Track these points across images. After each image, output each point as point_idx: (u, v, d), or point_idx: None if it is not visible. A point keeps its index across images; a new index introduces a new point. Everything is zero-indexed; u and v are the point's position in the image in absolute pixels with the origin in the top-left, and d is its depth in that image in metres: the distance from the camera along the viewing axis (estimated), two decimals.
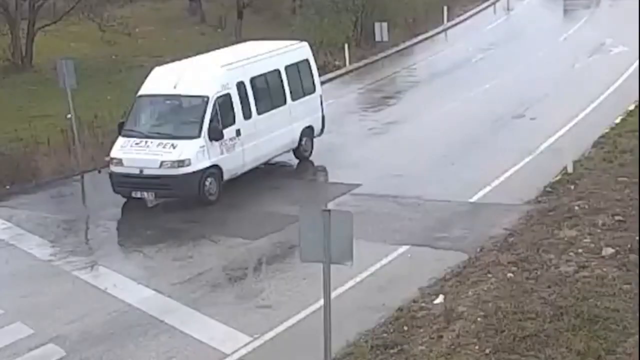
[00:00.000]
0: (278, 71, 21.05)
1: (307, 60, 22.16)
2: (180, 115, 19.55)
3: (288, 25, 42.03)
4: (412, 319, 12.99)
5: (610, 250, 14.49)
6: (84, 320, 13.87)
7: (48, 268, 16.27)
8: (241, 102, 19.59)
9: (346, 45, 35.64)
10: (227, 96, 19.32)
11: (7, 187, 21.07)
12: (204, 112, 18.80)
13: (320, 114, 22.48)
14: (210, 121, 18.75)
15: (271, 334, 13.07)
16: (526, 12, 47.13)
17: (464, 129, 24.16)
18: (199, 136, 18.61)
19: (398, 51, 38.58)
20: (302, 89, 21.86)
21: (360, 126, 25.82)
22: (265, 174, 20.99)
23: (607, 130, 22.65)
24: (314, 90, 22.30)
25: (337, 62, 35.12)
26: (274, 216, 18.09)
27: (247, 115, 19.78)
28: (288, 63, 21.42)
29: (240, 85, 19.68)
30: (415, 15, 43.16)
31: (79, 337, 13.35)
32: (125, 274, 15.74)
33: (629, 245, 14.61)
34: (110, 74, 33.34)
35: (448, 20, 44.28)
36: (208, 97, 18.91)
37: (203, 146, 18.63)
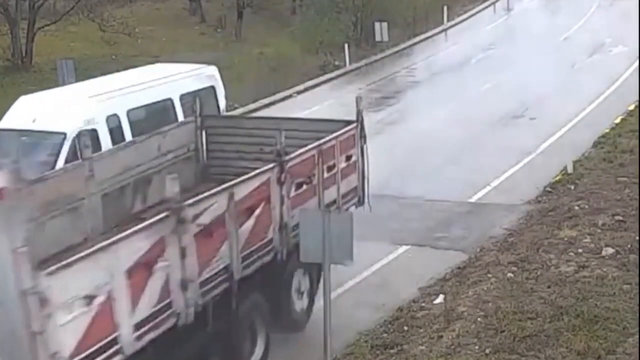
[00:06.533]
0: (171, 101, 17.88)
1: (212, 88, 18.96)
2: (35, 155, 16.23)
3: (288, 25, 42.09)
4: (412, 319, 12.99)
5: (610, 250, 14.51)
6: None
7: None
8: (113, 139, 16.41)
9: (346, 45, 35.66)
10: (93, 132, 16.04)
11: None
12: (59, 151, 15.74)
13: None
14: (66, 162, 15.45)
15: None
16: (526, 12, 47.14)
17: (464, 129, 24.14)
18: None
19: (398, 51, 38.59)
20: None
21: None
22: None
23: (607, 130, 22.67)
24: None
25: (337, 62, 35.14)
26: None
27: None
28: (185, 91, 18.20)
29: (113, 119, 16.63)
30: (415, 15, 43.16)
31: None
32: None
33: (629, 245, 14.62)
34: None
35: (448, 20, 44.30)
36: (65, 134, 15.79)
37: None
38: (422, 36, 41.64)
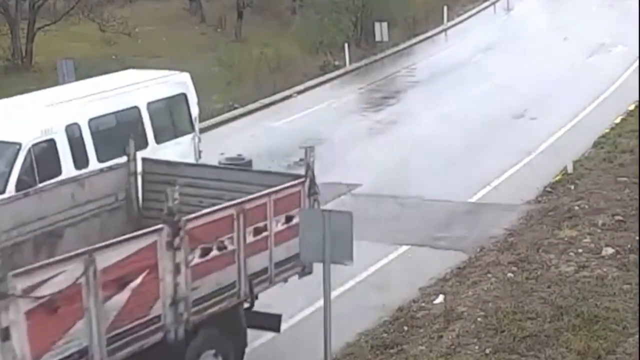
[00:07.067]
0: (137, 109, 17.10)
1: (183, 95, 18.09)
2: None
3: (288, 25, 42.06)
4: (412, 319, 13.00)
5: (610, 250, 14.52)
6: None
7: None
8: (72, 150, 15.76)
9: (346, 45, 35.66)
10: (50, 142, 15.46)
11: None
12: (13, 162, 14.92)
13: (192, 159, 17.92)
14: (22, 174, 14.81)
15: (271, 333, 13.02)
16: (526, 12, 47.11)
17: (464, 129, 24.15)
18: (2, 192, 14.34)
19: (398, 51, 38.57)
20: (174, 130, 18.00)
21: (361, 126, 25.82)
22: None
23: (607, 130, 22.68)
24: (190, 131, 18.26)
25: (337, 62, 35.13)
26: None
27: (81, 164, 15.74)
28: (153, 99, 17.45)
29: (73, 129, 15.83)
30: (415, 15, 43.15)
31: None
32: None
33: (629, 245, 14.63)
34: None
35: (448, 20, 44.27)
36: (20, 145, 15.02)
37: None
38: (422, 36, 41.61)
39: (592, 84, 28.42)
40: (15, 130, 15.29)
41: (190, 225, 9.74)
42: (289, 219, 11.29)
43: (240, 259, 10.58)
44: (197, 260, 9.91)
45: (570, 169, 19.50)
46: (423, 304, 13.56)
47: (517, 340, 11.77)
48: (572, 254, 14.63)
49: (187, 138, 18.08)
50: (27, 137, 15.10)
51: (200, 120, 25.94)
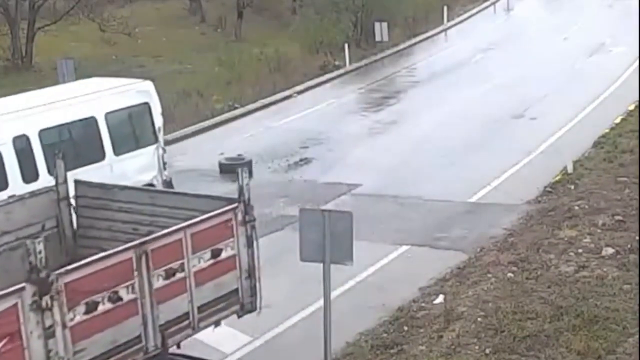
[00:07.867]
0: (94, 119, 16.27)
1: (146, 104, 17.23)
2: None
3: (288, 25, 42.08)
4: (412, 319, 13.00)
5: (610, 250, 14.52)
6: None
7: None
8: (20, 162, 14.95)
9: (346, 45, 35.67)
10: None
11: None
12: None
13: (156, 171, 17.35)
14: None
15: (271, 334, 13.07)
16: (526, 12, 47.14)
17: (464, 129, 24.16)
18: None
19: (398, 51, 38.59)
20: (135, 141, 17.17)
21: (360, 126, 25.82)
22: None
23: (607, 130, 22.68)
24: (153, 142, 17.37)
25: (337, 62, 35.14)
26: (274, 216, 18.10)
27: (30, 178, 14.91)
28: (112, 109, 16.60)
29: (21, 140, 15.06)
30: (415, 15, 43.17)
31: None
32: None
33: (629, 245, 14.64)
34: (110, 74, 33.35)
35: (448, 20, 44.29)
36: None
37: None
38: (422, 36, 41.63)
39: (592, 84, 28.42)
40: None
41: (66, 279, 8.15)
42: (216, 253, 9.67)
43: (145, 308, 8.91)
44: (80, 317, 8.31)
45: (570, 169, 19.51)
46: (423, 304, 13.56)
47: (517, 340, 11.78)
48: (572, 254, 14.64)
49: (150, 149, 17.25)
50: None
51: (200, 120, 26.16)
